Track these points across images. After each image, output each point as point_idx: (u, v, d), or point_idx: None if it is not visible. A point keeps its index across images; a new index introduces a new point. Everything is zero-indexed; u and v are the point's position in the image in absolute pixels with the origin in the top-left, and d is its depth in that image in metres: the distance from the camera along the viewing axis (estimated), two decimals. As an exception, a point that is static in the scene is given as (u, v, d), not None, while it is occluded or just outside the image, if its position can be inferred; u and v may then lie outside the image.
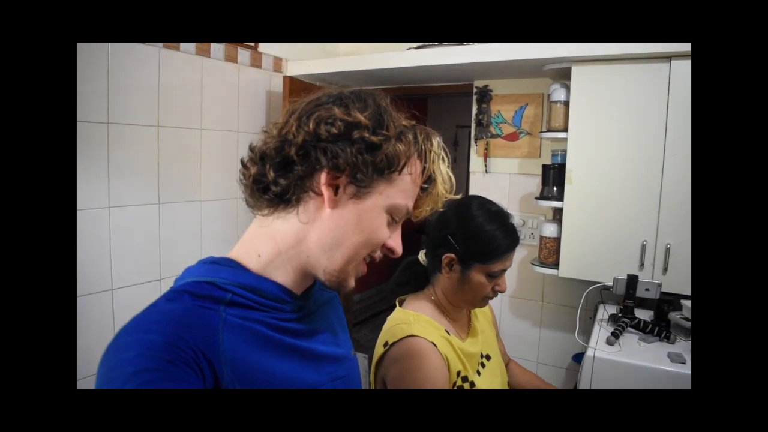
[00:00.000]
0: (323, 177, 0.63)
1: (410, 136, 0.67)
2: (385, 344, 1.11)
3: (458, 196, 0.77)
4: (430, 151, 0.70)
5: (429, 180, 0.72)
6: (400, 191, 0.68)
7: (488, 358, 1.27)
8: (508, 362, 1.48)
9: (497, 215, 1.17)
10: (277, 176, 0.64)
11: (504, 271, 1.17)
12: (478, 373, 1.20)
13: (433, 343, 1.07)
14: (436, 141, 0.72)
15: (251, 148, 0.68)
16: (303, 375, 0.68)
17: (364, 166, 0.63)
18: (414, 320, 1.13)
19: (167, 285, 0.64)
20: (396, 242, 0.71)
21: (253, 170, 0.66)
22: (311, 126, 0.63)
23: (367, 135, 0.63)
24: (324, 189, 0.64)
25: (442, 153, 0.72)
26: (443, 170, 0.72)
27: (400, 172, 0.66)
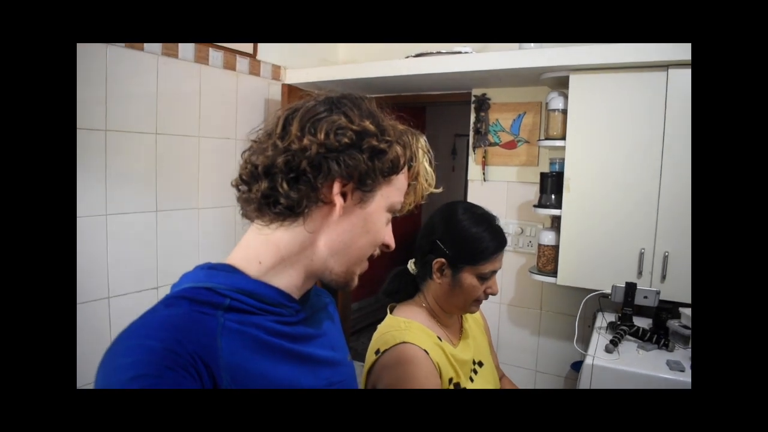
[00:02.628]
0: (336, 186, 0.64)
1: (406, 138, 0.71)
2: (377, 351, 1.11)
3: (439, 190, 0.81)
4: (419, 149, 0.75)
5: (415, 176, 0.76)
6: (396, 190, 0.71)
7: (481, 365, 1.26)
8: (501, 377, 1.47)
9: (482, 217, 1.19)
10: (290, 190, 0.64)
11: (494, 272, 1.18)
12: (471, 379, 1.20)
13: (425, 351, 1.07)
14: (423, 139, 0.77)
15: (252, 163, 0.66)
16: (301, 380, 0.67)
17: (372, 172, 0.65)
18: (406, 327, 1.13)
19: (164, 293, 0.64)
20: (391, 238, 0.74)
21: (263, 185, 0.64)
22: (321, 136, 0.63)
23: (375, 142, 0.65)
24: (336, 198, 0.65)
25: (428, 151, 0.78)
26: (426, 166, 0.77)
27: (398, 173, 0.70)
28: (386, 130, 0.67)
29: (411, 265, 1.26)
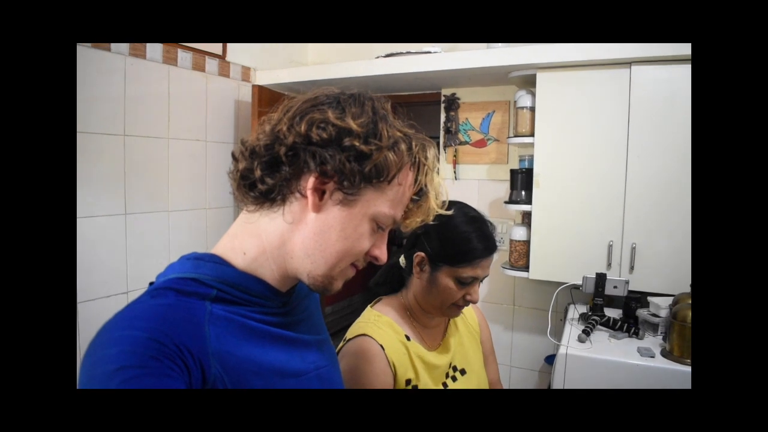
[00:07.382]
0: (311, 181, 0.62)
1: (403, 147, 0.66)
2: (344, 339, 1.12)
3: (449, 212, 0.77)
4: (424, 165, 0.69)
5: (420, 192, 0.71)
6: (387, 200, 0.66)
7: (463, 372, 1.21)
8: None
9: (475, 220, 1.13)
10: (263, 174, 0.63)
11: (476, 279, 1.11)
12: (444, 385, 1.16)
13: (381, 346, 1.05)
14: (431, 153, 0.70)
15: (242, 142, 0.66)
16: (289, 364, 0.67)
17: (351, 174, 0.62)
18: (374, 320, 1.12)
19: (134, 298, 0.62)
20: (380, 250, 0.70)
21: (241, 165, 0.65)
22: (303, 128, 0.61)
23: (357, 143, 0.61)
24: (309, 193, 0.62)
25: (437, 166, 0.72)
26: (436, 183, 0.72)
27: (389, 182, 0.65)
28: (379, 134, 0.63)
29: (401, 259, 1.22)
